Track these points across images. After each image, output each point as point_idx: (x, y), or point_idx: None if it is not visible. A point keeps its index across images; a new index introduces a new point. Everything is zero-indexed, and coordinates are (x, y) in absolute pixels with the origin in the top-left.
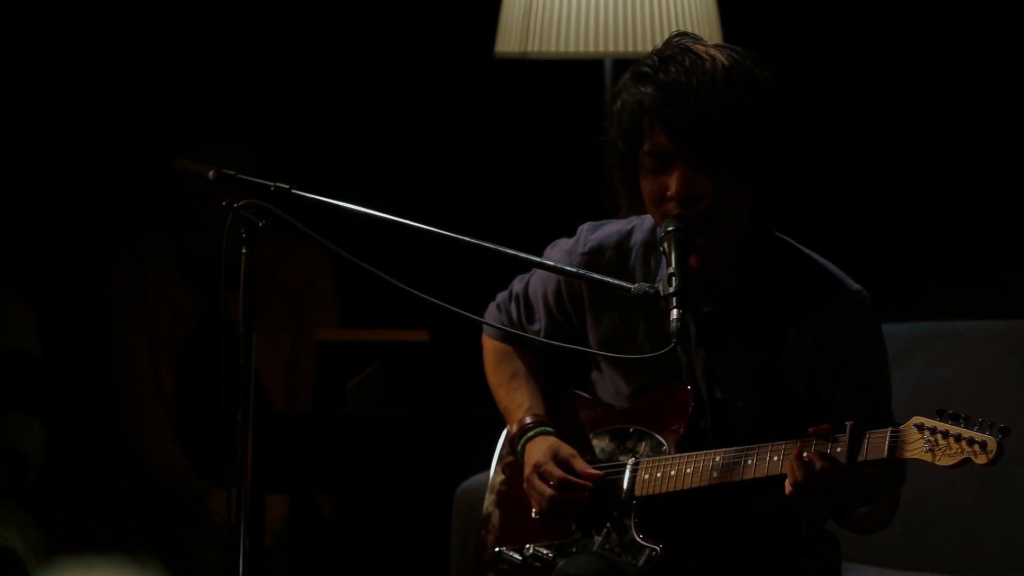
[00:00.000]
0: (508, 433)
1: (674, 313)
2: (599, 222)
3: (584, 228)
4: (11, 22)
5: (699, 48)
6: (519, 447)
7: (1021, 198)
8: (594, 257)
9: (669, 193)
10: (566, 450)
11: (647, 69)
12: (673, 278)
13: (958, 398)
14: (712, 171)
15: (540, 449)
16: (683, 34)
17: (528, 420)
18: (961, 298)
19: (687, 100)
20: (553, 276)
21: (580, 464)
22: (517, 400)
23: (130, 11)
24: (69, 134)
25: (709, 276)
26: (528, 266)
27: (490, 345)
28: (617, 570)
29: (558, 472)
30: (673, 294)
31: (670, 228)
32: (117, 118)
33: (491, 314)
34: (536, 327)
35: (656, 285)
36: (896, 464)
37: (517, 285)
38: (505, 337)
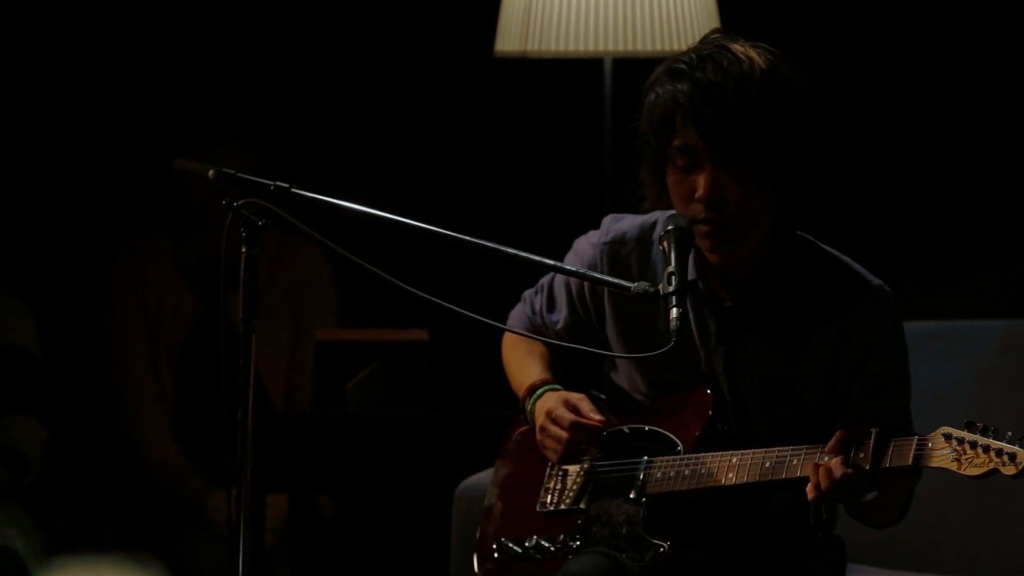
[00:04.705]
0: (519, 402)
1: (674, 312)
2: (622, 215)
3: (608, 219)
4: (11, 23)
5: (737, 48)
6: (529, 407)
7: (1021, 197)
8: (616, 247)
9: (697, 195)
10: (575, 396)
11: (684, 66)
12: (673, 277)
13: (958, 398)
14: (741, 174)
15: (549, 400)
16: (721, 32)
17: (537, 382)
18: (961, 297)
19: (723, 101)
20: None
21: (587, 406)
22: (528, 372)
23: (131, 11)
24: (69, 134)
25: (730, 274)
26: (529, 265)
27: (509, 338)
28: (622, 568)
29: (569, 415)
30: (672, 293)
31: (670, 227)
32: (118, 118)
33: (517, 308)
34: (556, 317)
35: (657, 284)
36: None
37: (546, 277)
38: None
